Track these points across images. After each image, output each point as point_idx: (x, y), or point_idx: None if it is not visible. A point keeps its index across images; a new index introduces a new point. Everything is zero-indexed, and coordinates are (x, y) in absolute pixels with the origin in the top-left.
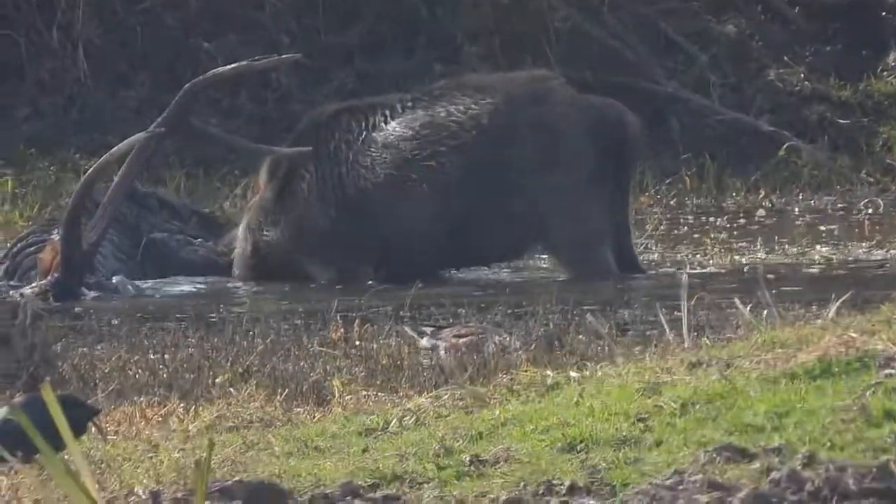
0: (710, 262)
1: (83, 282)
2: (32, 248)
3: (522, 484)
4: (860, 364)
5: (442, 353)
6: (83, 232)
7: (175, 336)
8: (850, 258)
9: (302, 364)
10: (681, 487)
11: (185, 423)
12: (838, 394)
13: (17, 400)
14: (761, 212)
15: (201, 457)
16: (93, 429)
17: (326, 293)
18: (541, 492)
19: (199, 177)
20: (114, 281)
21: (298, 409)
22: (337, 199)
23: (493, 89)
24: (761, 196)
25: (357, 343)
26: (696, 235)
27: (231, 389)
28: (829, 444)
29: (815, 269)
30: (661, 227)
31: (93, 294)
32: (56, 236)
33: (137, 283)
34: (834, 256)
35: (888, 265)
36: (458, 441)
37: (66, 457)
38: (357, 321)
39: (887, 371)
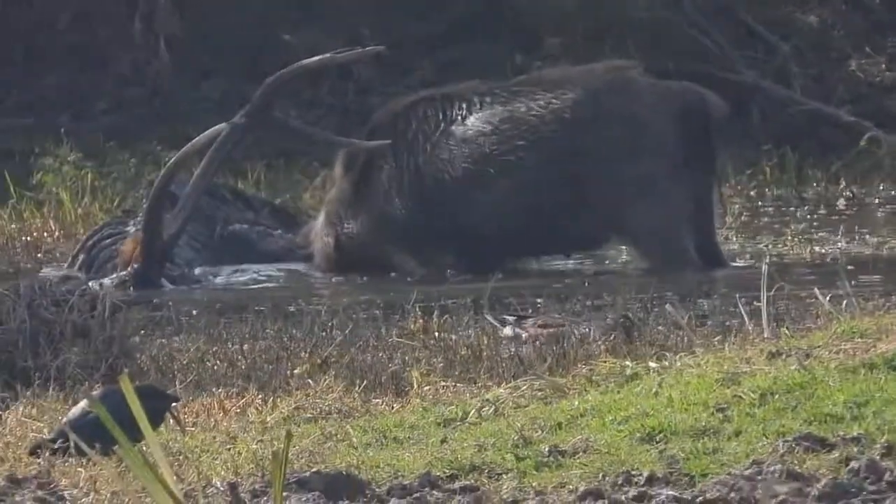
0: (790, 252)
1: (163, 272)
2: (108, 241)
3: (601, 474)
4: None
5: (524, 342)
6: (164, 223)
7: (253, 327)
8: None
9: (380, 355)
10: (759, 477)
11: (263, 414)
12: None
13: (96, 392)
14: (841, 202)
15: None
16: (171, 420)
17: (405, 284)
18: (619, 482)
19: (279, 168)
20: (196, 273)
21: (377, 400)
22: (414, 191)
23: (571, 83)
24: (842, 186)
25: (436, 334)
26: (776, 226)
27: (309, 380)
28: None
29: (895, 259)
30: (742, 218)
31: (172, 285)
32: (131, 228)
33: (217, 274)
34: None
35: None
36: (536, 432)
37: (144, 448)
38: (436, 312)
39: None
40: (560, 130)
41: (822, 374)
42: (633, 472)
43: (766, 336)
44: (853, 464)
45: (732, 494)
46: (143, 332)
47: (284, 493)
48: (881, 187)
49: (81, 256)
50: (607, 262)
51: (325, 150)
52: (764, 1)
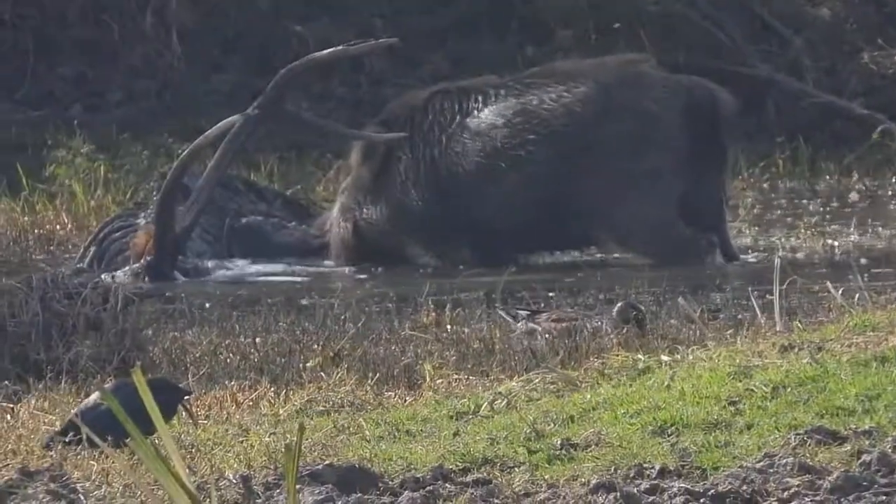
0: (803, 245)
1: (176, 265)
2: (119, 234)
3: (613, 467)
4: None
5: (538, 336)
6: (176, 215)
7: (266, 320)
8: None
9: (393, 348)
10: (771, 470)
11: (275, 407)
12: None
13: (108, 385)
14: (854, 195)
15: (292, 441)
16: (183, 413)
17: (418, 277)
18: (631, 475)
19: (291, 161)
20: (209, 265)
21: (389, 393)
22: (430, 183)
23: (583, 76)
24: (854, 179)
25: (448, 327)
26: (788, 219)
27: (322, 373)
28: None
29: None
30: (755, 211)
31: (185, 278)
32: (142, 221)
33: (230, 267)
34: None
35: None
36: (549, 425)
37: (156, 441)
38: (448, 305)
39: None
40: (571, 124)
41: (834, 368)
42: (645, 465)
43: (778, 329)
44: (865, 457)
45: (744, 487)
46: (155, 324)
47: (297, 486)
48: (894, 180)
49: (92, 249)
50: (619, 256)
51: (337, 143)
52: None
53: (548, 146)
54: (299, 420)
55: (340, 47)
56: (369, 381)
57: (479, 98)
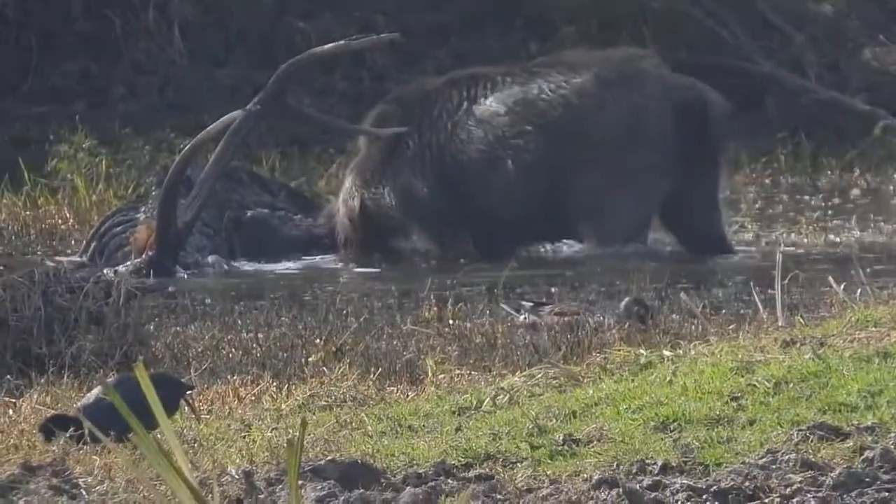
0: (805, 240)
1: (178, 260)
2: (119, 229)
3: (615, 463)
4: None
5: (540, 331)
6: (178, 210)
7: (268, 315)
8: None
9: (395, 343)
10: (774, 466)
11: (278, 402)
12: None
13: (111, 379)
14: (856, 191)
15: (294, 436)
16: (186, 408)
17: (420, 272)
18: (634, 471)
19: (293, 156)
20: (209, 260)
21: (391, 388)
22: (435, 168)
23: (585, 67)
24: (856, 175)
25: (450, 322)
26: (790, 214)
27: (324, 368)
28: None
29: None
30: (756, 206)
31: (186, 272)
32: (142, 216)
33: (231, 261)
34: None
35: None
36: (551, 420)
37: (158, 436)
38: (451, 300)
39: None
40: (566, 115)
41: (837, 363)
42: (648, 461)
43: (780, 325)
44: (867, 453)
45: (746, 483)
46: (157, 319)
47: (299, 482)
48: (895, 176)
49: (94, 244)
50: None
51: (339, 138)
52: None
53: (543, 136)
54: (301, 415)
55: (342, 42)
56: (371, 376)
57: (488, 85)
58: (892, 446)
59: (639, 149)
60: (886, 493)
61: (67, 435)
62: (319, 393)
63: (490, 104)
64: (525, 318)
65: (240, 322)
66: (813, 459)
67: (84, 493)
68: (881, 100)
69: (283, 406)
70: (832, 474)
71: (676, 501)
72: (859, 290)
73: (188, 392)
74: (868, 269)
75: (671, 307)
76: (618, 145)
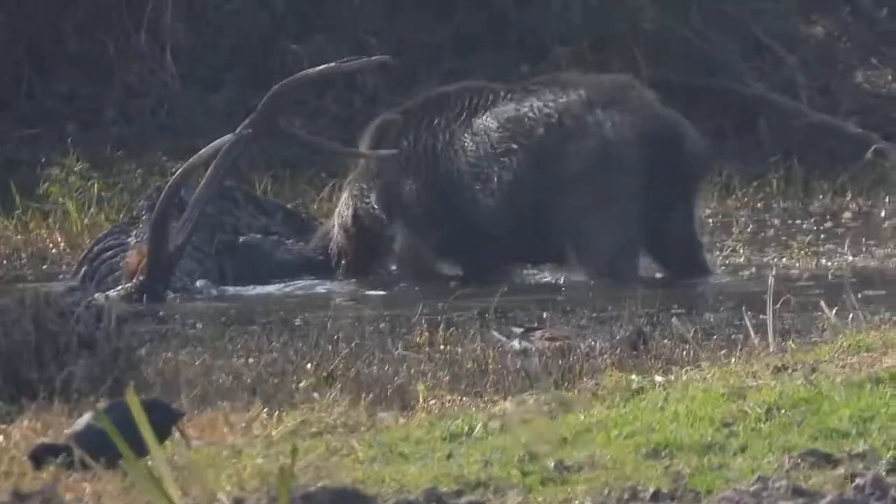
0: (797, 265)
1: (169, 285)
2: (110, 253)
3: (607, 490)
4: None
5: (532, 356)
6: (170, 234)
7: (259, 340)
8: None
9: (386, 368)
10: (765, 493)
11: (268, 428)
12: None
13: (101, 405)
14: (848, 214)
15: (285, 462)
16: (176, 434)
17: (411, 297)
18: (625, 498)
19: (285, 179)
20: (198, 285)
21: (382, 414)
22: (428, 176)
23: (575, 88)
24: (848, 199)
25: (442, 347)
26: (782, 238)
27: (315, 394)
28: None
29: None
30: (748, 230)
31: (177, 297)
32: (133, 240)
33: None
34: None
35: None
36: (542, 446)
37: (149, 462)
38: (442, 325)
39: None
40: (548, 134)
41: (828, 389)
42: (639, 488)
43: (771, 350)
44: (859, 480)
45: None
46: (148, 344)
47: None
48: (887, 200)
49: (84, 268)
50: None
51: (331, 161)
52: (771, 13)
53: (527, 154)
54: (292, 441)
55: (332, 64)
56: (362, 402)
57: (490, 98)
58: (884, 473)
59: (614, 174)
60: None
61: (58, 461)
62: (310, 419)
63: (485, 118)
64: (516, 342)
65: (230, 347)
66: (804, 486)
67: None
68: (873, 123)
69: (274, 432)
70: (823, 501)
71: None
72: (851, 315)
73: (179, 418)
74: (860, 294)
75: (663, 332)
76: (595, 168)
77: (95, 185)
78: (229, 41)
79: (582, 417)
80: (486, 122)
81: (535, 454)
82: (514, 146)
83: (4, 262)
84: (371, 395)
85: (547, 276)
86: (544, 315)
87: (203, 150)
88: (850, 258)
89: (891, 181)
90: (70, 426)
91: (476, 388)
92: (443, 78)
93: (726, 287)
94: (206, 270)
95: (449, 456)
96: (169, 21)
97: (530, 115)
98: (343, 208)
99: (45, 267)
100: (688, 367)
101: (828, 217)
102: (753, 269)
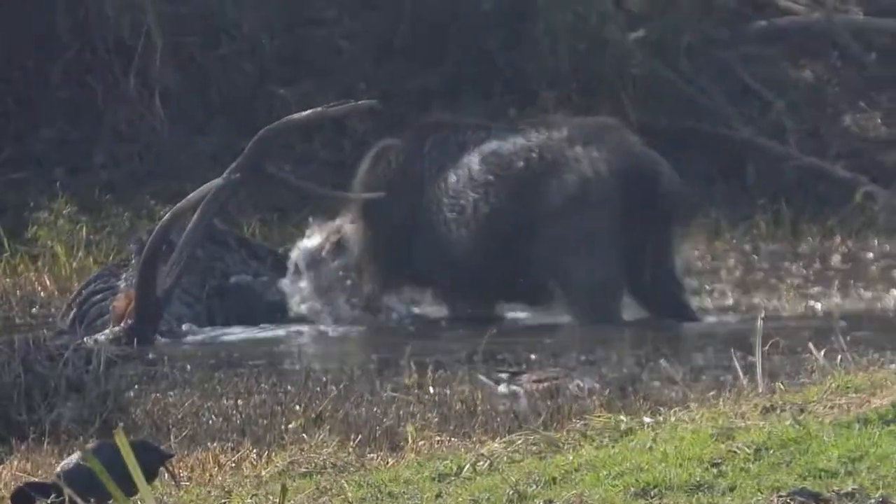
0: (785, 307)
1: (157, 328)
2: (98, 297)
3: None
4: None
5: (522, 398)
6: (158, 278)
7: (248, 382)
8: None
9: (375, 409)
10: None
11: (257, 468)
12: None
13: (90, 446)
14: (836, 257)
15: (274, 503)
16: (166, 474)
17: (400, 338)
18: None
19: (273, 222)
20: (184, 328)
21: (371, 455)
22: (413, 201)
23: (557, 127)
24: (837, 241)
25: (430, 388)
26: (771, 281)
27: (304, 435)
28: None
29: (889, 315)
30: (737, 273)
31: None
32: (122, 283)
33: (207, 329)
34: None
35: None
36: (531, 486)
37: (138, 503)
38: (430, 366)
39: None
40: (523, 172)
41: (817, 429)
42: None
43: (760, 391)
44: None
45: None
46: (137, 386)
47: None
48: (876, 242)
49: (73, 311)
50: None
51: (319, 205)
52: (759, 58)
53: (503, 189)
54: (281, 482)
55: (319, 109)
56: (351, 443)
57: (482, 135)
58: None
59: (588, 211)
60: None
61: (47, 502)
62: (299, 460)
63: (471, 151)
64: (504, 387)
65: (220, 389)
66: None
67: None
68: (861, 166)
69: (264, 473)
70: None
71: None
72: (839, 357)
73: (167, 459)
74: (848, 336)
75: (651, 374)
76: (568, 205)
77: (84, 229)
78: (217, 86)
79: (570, 457)
80: (471, 155)
81: (524, 494)
82: (492, 178)
83: None
84: (360, 437)
85: (533, 319)
86: (532, 357)
87: (191, 195)
88: (839, 300)
89: (879, 224)
90: (58, 466)
91: (465, 429)
92: None
93: (715, 329)
94: (196, 314)
95: (438, 496)
96: (157, 66)
97: (509, 149)
98: (348, 221)
99: (34, 310)
100: (676, 408)
101: (816, 260)
102: (742, 311)
